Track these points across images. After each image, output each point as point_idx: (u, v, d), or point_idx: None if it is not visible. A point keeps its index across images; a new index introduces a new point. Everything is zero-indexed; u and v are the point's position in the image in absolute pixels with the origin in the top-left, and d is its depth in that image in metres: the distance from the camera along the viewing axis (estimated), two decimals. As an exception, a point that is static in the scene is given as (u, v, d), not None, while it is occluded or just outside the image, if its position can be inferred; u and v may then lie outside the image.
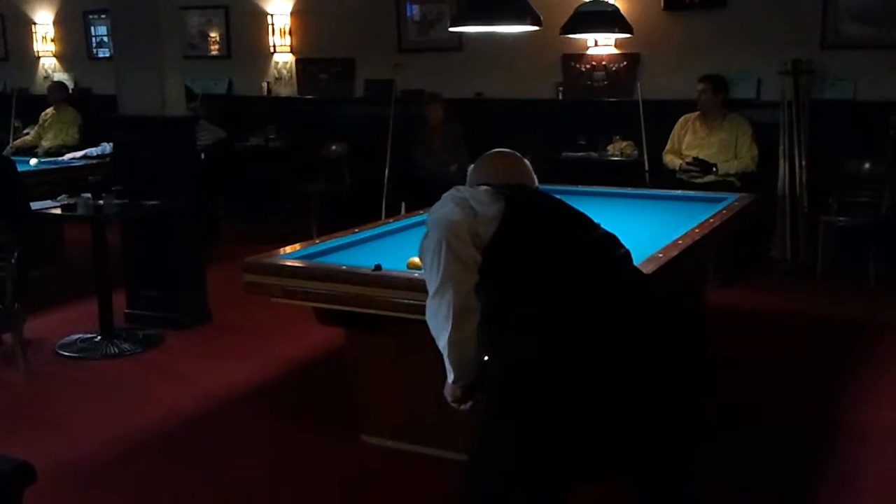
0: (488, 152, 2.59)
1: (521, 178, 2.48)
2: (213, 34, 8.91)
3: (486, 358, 2.24)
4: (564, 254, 2.22)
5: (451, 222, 2.16)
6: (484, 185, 2.37)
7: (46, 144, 8.16)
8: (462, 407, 2.32)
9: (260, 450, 3.69)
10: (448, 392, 2.31)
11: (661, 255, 3.37)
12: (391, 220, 4.38)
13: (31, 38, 9.84)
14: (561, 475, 2.09)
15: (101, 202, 4.91)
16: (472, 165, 2.60)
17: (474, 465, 2.19)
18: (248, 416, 4.05)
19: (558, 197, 2.46)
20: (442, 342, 2.18)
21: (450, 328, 2.14)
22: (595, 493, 2.83)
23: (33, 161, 7.01)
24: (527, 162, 2.57)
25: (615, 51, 7.21)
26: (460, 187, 2.34)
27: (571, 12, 5.15)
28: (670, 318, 2.23)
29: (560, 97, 7.41)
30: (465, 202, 2.23)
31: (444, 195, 2.32)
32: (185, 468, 3.55)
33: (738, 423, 3.81)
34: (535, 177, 2.55)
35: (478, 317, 2.17)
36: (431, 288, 2.18)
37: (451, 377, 2.26)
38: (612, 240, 2.35)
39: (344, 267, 3.24)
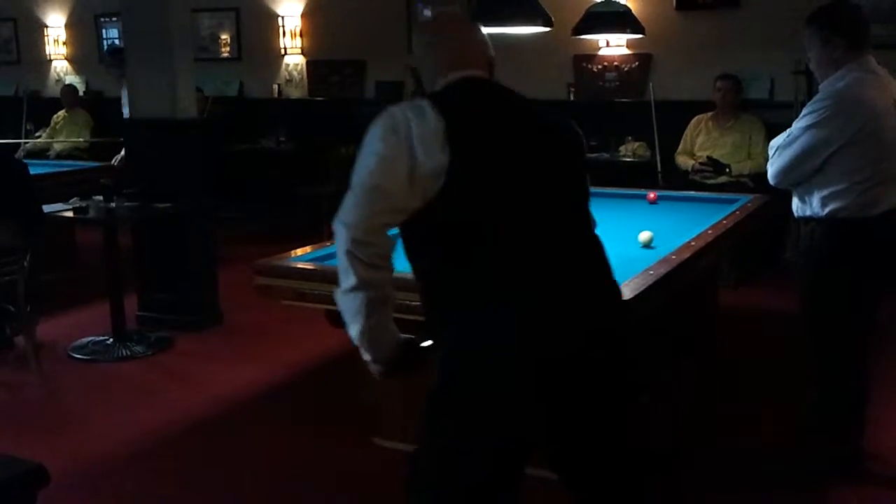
0: (438, 14, 2.30)
1: (475, 63, 2.22)
2: (224, 36, 8.93)
3: (428, 343, 2.09)
4: (517, 219, 1.98)
5: (357, 217, 1.93)
6: (436, 84, 2.12)
7: (58, 147, 8.19)
8: (388, 378, 2.18)
9: (271, 452, 3.68)
10: (372, 370, 2.16)
11: (674, 256, 3.35)
12: (402, 222, 4.35)
13: (44, 41, 9.88)
14: (503, 458, 1.98)
15: (113, 205, 4.92)
16: (419, 31, 2.27)
17: (417, 448, 2.09)
18: (259, 419, 4.05)
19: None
20: (353, 332, 2.02)
21: (362, 322, 1.99)
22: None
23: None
24: (481, 28, 2.30)
25: (627, 51, 7.18)
26: (400, 111, 1.95)
27: (583, 13, 5.15)
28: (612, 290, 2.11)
29: (572, 98, 7.39)
30: (403, 145, 1.91)
31: (379, 121, 1.97)
32: (196, 470, 3.55)
33: (747, 426, 3.79)
34: (490, 52, 2.26)
35: (394, 303, 2.02)
36: (342, 284, 1.98)
37: (367, 357, 2.10)
38: (574, 190, 2.19)
39: (355, 269, 3.22)
